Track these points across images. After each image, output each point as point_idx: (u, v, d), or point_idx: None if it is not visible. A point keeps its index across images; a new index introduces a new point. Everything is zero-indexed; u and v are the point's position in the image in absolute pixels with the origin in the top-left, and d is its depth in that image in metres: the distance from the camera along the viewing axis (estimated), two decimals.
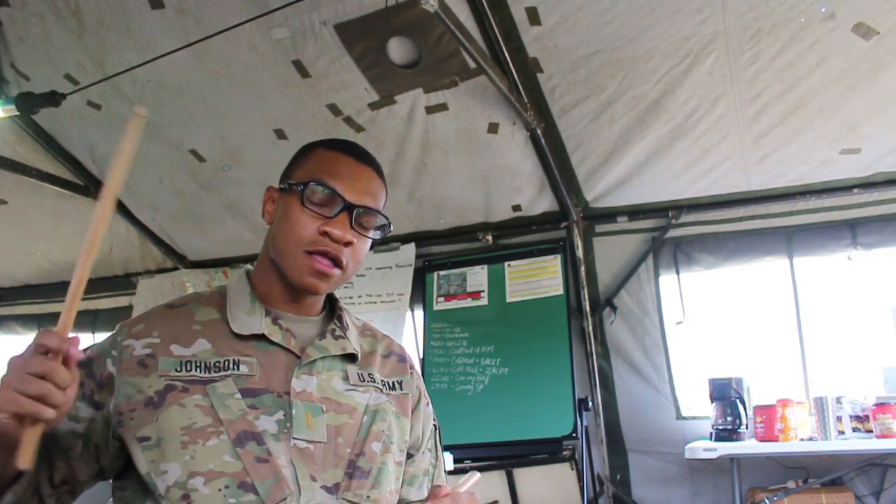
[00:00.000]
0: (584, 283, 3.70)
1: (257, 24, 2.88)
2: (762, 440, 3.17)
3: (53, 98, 3.01)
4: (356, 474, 1.04)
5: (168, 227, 4.49)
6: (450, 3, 2.39)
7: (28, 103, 3.05)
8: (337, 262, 1.06)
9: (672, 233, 3.63)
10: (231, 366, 1.04)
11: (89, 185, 4.20)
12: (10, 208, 4.45)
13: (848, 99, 2.83)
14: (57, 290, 5.12)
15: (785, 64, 2.74)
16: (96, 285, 4.99)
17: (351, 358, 1.13)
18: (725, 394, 3.30)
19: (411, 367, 1.26)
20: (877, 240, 3.32)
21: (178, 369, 1.02)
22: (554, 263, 3.81)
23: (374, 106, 3.24)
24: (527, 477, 3.48)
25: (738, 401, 3.27)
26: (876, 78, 2.74)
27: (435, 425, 1.27)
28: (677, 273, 3.67)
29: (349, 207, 1.07)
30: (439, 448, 1.27)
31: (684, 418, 3.59)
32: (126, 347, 1.04)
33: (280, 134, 3.54)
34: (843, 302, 3.49)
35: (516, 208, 3.79)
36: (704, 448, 3.16)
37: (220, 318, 1.08)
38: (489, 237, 3.94)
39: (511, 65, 2.90)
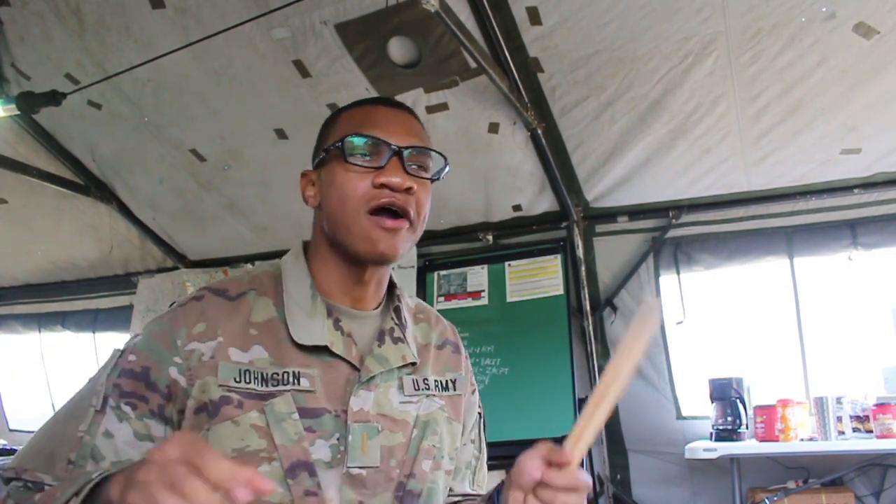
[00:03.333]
0: (585, 282, 3.70)
1: (258, 24, 2.88)
2: (762, 440, 3.17)
3: (54, 97, 3.01)
4: (406, 498, 0.97)
5: (168, 227, 4.49)
6: (450, 3, 2.39)
7: (28, 103, 3.05)
8: (403, 215, 0.95)
9: (672, 233, 3.63)
10: (290, 379, 0.93)
11: (89, 185, 4.20)
12: (10, 208, 4.45)
13: (848, 99, 2.83)
14: (57, 289, 5.13)
15: (785, 64, 2.74)
16: (96, 285, 5.00)
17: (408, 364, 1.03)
18: (725, 394, 3.30)
19: (466, 356, 1.17)
20: (877, 240, 3.32)
21: (238, 379, 0.92)
22: (554, 263, 3.81)
23: None
24: None
25: (738, 401, 3.27)
26: (877, 78, 2.73)
27: (480, 413, 1.18)
28: (677, 273, 3.66)
29: (398, 152, 0.96)
30: (483, 439, 1.19)
31: (684, 418, 3.59)
32: (192, 353, 0.92)
33: (280, 134, 3.54)
34: (844, 302, 3.49)
35: (516, 208, 3.79)
36: (704, 448, 3.16)
37: (278, 318, 0.97)
38: (489, 237, 3.94)
39: (511, 64, 2.90)
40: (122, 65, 3.15)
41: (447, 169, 1.02)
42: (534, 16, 2.74)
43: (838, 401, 3.15)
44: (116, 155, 3.99)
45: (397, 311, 1.07)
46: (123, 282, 4.90)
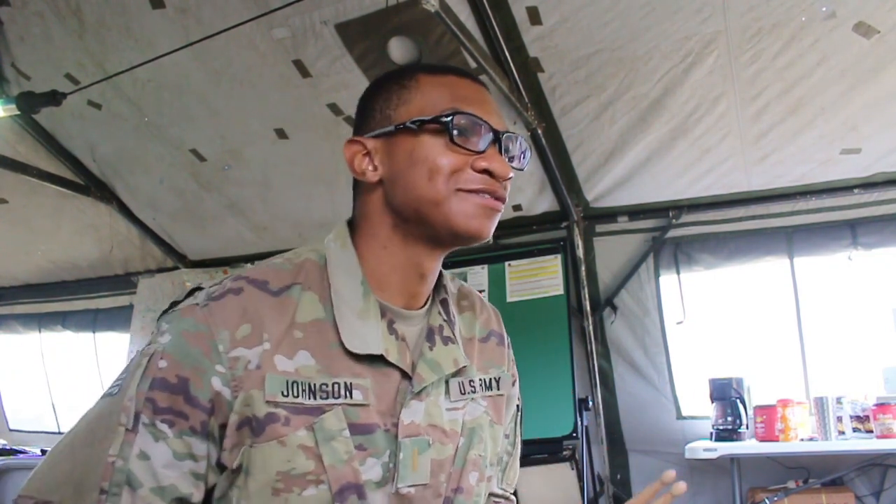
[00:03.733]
0: (585, 282, 3.70)
1: (258, 24, 2.88)
2: (762, 440, 3.17)
3: (54, 97, 3.01)
4: None
5: (168, 227, 4.49)
6: (450, 3, 2.39)
7: (29, 102, 3.05)
8: (501, 199, 0.89)
9: (672, 233, 3.63)
10: (342, 391, 0.84)
11: (90, 185, 4.20)
12: (10, 207, 4.45)
13: (848, 98, 2.83)
14: (57, 289, 5.13)
15: (785, 63, 2.74)
16: (96, 285, 5.00)
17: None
18: (726, 394, 3.30)
19: (510, 347, 1.09)
20: (877, 240, 3.32)
21: (285, 393, 0.81)
22: (554, 263, 3.81)
23: None
24: (527, 477, 3.47)
25: (738, 401, 3.27)
26: (877, 77, 2.73)
27: (518, 406, 1.09)
28: (677, 273, 3.67)
29: (498, 137, 0.89)
30: (519, 434, 1.10)
31: (684, 418, 3.59)
32: (237, 361, 0.81)
33: (280, 133, 3.54)
34: (844, 302, 3.49)
35: (517, 208, 3.79)
36: (704, 448, 3.16)
37: (325, 319, 0.86)
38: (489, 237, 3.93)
39: (512, 64, 2.90)
40: (123, 65, 3.15)
41: (528, 157, 0.95)
42: (534, 16, 2.74)
43: (838, 401, 3.15)
44: (116, 155, 3.99)
45: (444, 304, 0.98)
46: (123, 282, 4.90)
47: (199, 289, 0.87)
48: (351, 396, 0.84)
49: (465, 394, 0.94)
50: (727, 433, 3.23)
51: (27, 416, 5.42)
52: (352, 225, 0.94)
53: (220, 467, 0.82)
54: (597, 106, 3.10)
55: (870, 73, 2.72)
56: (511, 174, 0.89)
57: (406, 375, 0.88)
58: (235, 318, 0.82)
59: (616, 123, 3.17)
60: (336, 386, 0.83)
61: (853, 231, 3.34)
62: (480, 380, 0.98)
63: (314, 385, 0.82)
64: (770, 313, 3.58)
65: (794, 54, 2.70)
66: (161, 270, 4.74)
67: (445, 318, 0.96)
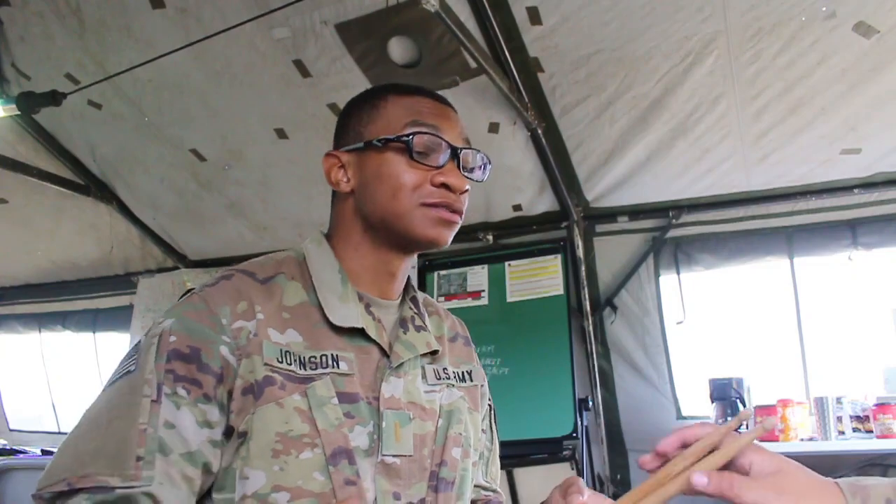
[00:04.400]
0: (585, 282, 3.70)
1: (258, 24, 2.88)
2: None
3: (54, 97, 3.01)
4: (441, 486, 0.96)
5: (169, 227, 4.49)
6: (451, 3, 2.39)
7: (29, 102, 3.05)
8: (458, 213, 0.99)
9: (672, 233, 3.63)
10: (329, 362, 0.92)
11: (90, 185, 4.20)
12: (10, 207, 4.45)
13: (849, 98, 2.83)
14: (57, 289, 5.13)
15: (785, 63, 2.74)
16: (96, 285, 5.00)
17: (430, 353, 1.04)
18: (726, 394, 3.30)
19: (475, 350, 1.19)
20: (877, 240, 3.32)
21: (280, 360, 0.89)
22: (554, 263, 3.81)
23: None
24: (527, 477, 3.48)
25: (738, 401, 3.27)
26: (877, 77, 2.73)
27: (490, 405, 1.18)
28: (677, 273, 3.67)
29: (456, 152, 0.98)
30: (495, 430, 1.18)
31: (684, 418, 3.59)
32: (240, 331, 0.89)
33: (281, 133, 3.54)
34: (844, 302, 3.49)
35: (517, 208, 3.79)
36: None
37: (310, 302, 0.96)
38: (489, 237, 3.94)
39: (512, 64, 2.90)
40: (123, 65, 3.15)
41: (490, 167, 1.05)
42: (534, 16, 2.74)
43: (838, 401, 3.15)
44: (117, 155, 3.99)
45: (414, 300, 1.08)
46: (124, 282, 4.90)
47: (190, 291, 0.96)
48: (338, 366, 0.92)
49: (440, 379, 1.03)
50: None
51: (27, 416, 5.42)
52: (328, 232, 1.06)
53: (227, 434, 0.87)
54: (597, 106, 3.10)
55: (870, 73, 2.72)
56: (467, 186, 0.98)
57: (384, 353, 0.97)
58: (232, 296, 0.91)
59: (616, 123, 3.17)
60: (324, 357, 0.92)
61: (853, 231, 3.34)
62: (454, 371, 1.07)
63: (303, 357, 0.91)
64: (770, 313, 3.58)
65: (794, 54, 2.70)
66: (161, 270, 4.74)
67: (416, 311, 1.06)
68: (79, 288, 5.05)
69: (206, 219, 4.30)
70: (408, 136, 0.96)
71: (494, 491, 1.17)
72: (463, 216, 1.00)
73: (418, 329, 1.04)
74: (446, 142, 0.97)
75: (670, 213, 3.57)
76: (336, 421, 0.89)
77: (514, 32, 2.81)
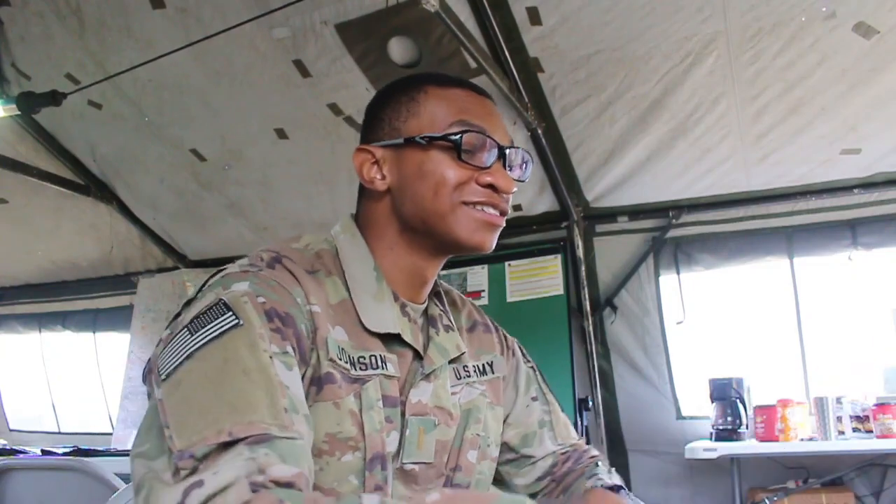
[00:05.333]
0: (585, 282, 3.70)
1: (258, 24, 2.88)
2: (762, 440, 3.17)
3: (54, 97, 3.01)
4: None
5: (169, 227, 4.49)
6: (450, 3, 2.39)
7: (29, 103, 3.05)
8: (503, 214, 0.93)
9: (672, 233, 3.63)
10: (378, 363, 0.87)
11: (90, 185, 4.21)
12: (10, 207, 4.45)
13: (848, 98, 2.83)
14: (57, 289, 5.13)
15: (785, 63, 2.75)
16: (96, 285, 5.00)
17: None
18: (725, 394, 3.30)
19: (497, 330, 1.13)
20: (877, 240, 3.32)
21: (339, 357, 0.84)
22: (554, 263, 3.81)
23: None
24: None
25: (738, 401, 3.27)
26: (877, 77, 2.74)
27: (533, 368, 1.14)
28: (677, 273, 3.67)
29: (503, 152, 0.92)
30: (546, 392, 1.13)
31: (684, 418, 3.59)
32: (312, 315, 0.83)
33: (281, 133, 3.54)
34: (844, 302, 3.49)
35: (517, 208, 3.79)
36: (704, 448, 3.16)
37: (349, 299, 0.89)
38: None
39: (512, 65, 2.90)
40: (123, 65, 3.15)
41: (531, 165, 0.99)
42: (534, 16, 2.74)
43: (838, 401, 3.15)
44: (117, 155, 3.99)
45: (438, 296, 1.02)
46: (124, 282, 4.90)
47: (220, 271, 0.87)
48: (386, 368, 0.88)
49: (460, 378, 0.98)
50: (727, 433, 3.23)
51: (27, 416, 5.42)
52: (357, 222, 0.97)
53: None
54: (597, 106, 3.10)
55: (870, 73, 2.72)
56: (514, 188, 0.92)
57: (418, 356, 0.92)
58: (291, 280, 0.84)
59: (616, 123, 3.17)
60: (374, 358, 0.87)
61: (853, 231, 3.34)
62: (474, 366, 1.01)
63: (353, 357, 0.85)
64: (770, 313, 3.58)
65: (794, 54, 2.70)
66: (161, 270, 4.74)
67: (442, 308, 1.01)
68: (79, 288, 5.05)
69: (206, 219, 4.30)
70: (456, 134, 0.89)
71: (572, 446, 1.11)
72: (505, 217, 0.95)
73: (447, 329, 0.99)
74: (494, 141, 0.92)
75: (670, 213, 3.57)
76: (379, 425, 0.85)
77: (513, 32, 2.81)
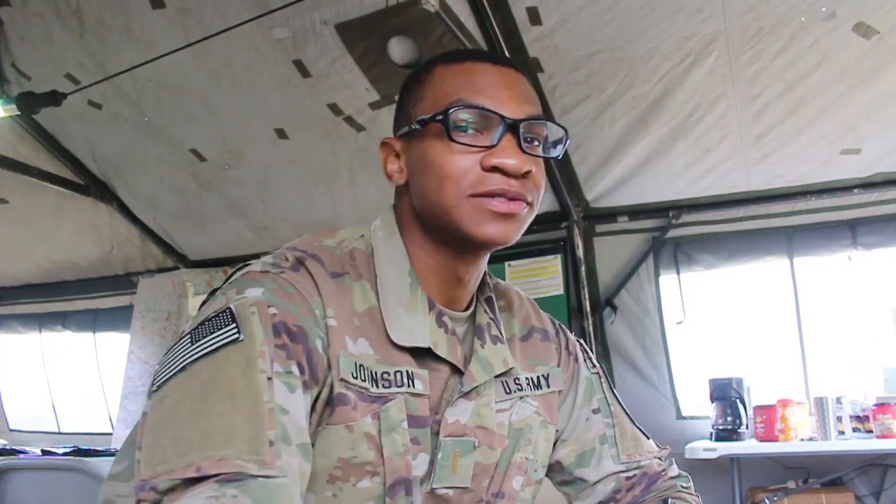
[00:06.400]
0: (585, 283, 3.70)
1: (258, 24, 2.88)
2: (762, 440, 3.17)
3: (54, 97, 3.01)
4: None
5: (169, 227, 4.49)
6: (450, 4, 2.39)
7: (29, 103, 3.05)
8: (519, 200, 0.80)
9: (672, 233, 3.63)
10: (404, 380, 0.79)
11: (90, 185, 4.20)
12: (10, 207, 4.45)
13: (848, 99, 2.83)
14: (57, 289, 5.13)
15: (785, 63, 2.75)
16: (96, 285, 5.00)
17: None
18: (725, 394, 3.30)
19: (558, 334, 0.99)
20: (877, 240, 3.32)
21: (354, 375, 0.76)
22: (554, 263, 3.81)
23: (374, 106, 3.24)
24: None
25: (738, 401, 3.27)
26: (876, 77, 2.74)
27: (598, 373, 1.00)
28: (677, 273, 3.66)
29: (512, 126, 0.78)
30: (612, 402, 0.99)
31: (684, 418, 3.59)
32: (328, 329, 0.76)
33: (281, 133, 3.54)
34: (843, 302, 3.49)
35: None
36: (704, 448, 3.16)
37: (378, 307, 0.81)
38: None
39: None
40: (123, 65, 3.15)
41: (567, 143, 0.84)
42: (534, 16, 2.74)
43: (838, 401, 3.15)
44: (117, 155, 3.99)
45: (489, 302, 0.92)
46: (124, 282, 4.90)
47: (242, 267, 0.81)
48: (413, 385, 0.79)
49: (510, 393, 0.88)
50: (727, 433, 3.23)
51: (27, 416, 5.42)
52: (398, 216, 0.88)
53: None
54: (597, 106, 3.10)
55: (870, 73, 2.72)
56: (527, 167, 0.78)
57: (456, 370, 0.83)
58: (312, 288, 0.77)
59: (616, 123, 3.17)
60: (399, 374, 0.78)
61: (853, 231, 3.34)
62: (527, 378, 0.91)
63: (375, 373, 0.77)
64: (770, 313, 3.58)
65: (794, 54, 2.71)
66: (161, 270, 4.74)
67: (492, 316, 0.90)
68: (79, 288, 5.05)
69: (206, 219, 4.30)
70: (442, 112, 0.78)
71: (639, 466, 0.98)
72: (533, 204, 0.82)
73: (495, 340, 0.88)
74: (496, 113, 0.78)
75: (670, 213, 3.57)
76: (402, 448, 0.77)
77: (513, 32, 2.81)
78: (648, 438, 1.02)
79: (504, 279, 3.93)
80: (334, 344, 0.75)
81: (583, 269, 3.71)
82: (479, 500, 0.84)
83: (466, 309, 0.89)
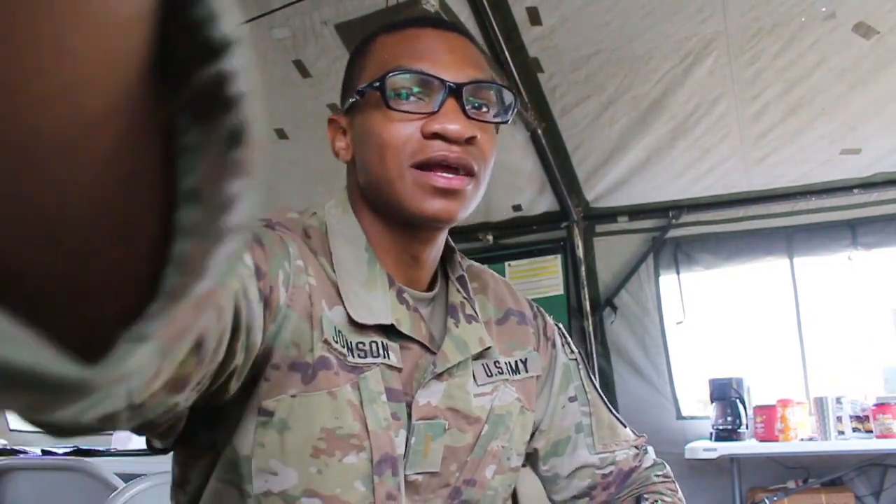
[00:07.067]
0: (585, 283, 3.70)
1: (258, 24, 2.88)
2: (762, 440, 3.18)
3: None
4: None
5: None
6: (450, 4, 2.40)
7: None
8: (464, 170, 0.75)
9: (672, 233, 3.63)
10: (379, 350, 0.75)
11: None
12: None
13: (848, 99, 2.84)
14: None
15: (785, 64, 2.75)
16: None
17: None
18: (725, 394, 3.30)
19: (536, 318, 0.95)
20: (877, 240, 3.32)
21: (336, 339, 0.72)
22: (554, 263, 3.81)
23: None
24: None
25: (738, 401, 3.27)
26: (876, 78, 2.74)
27: (576, 360, 0.95)
28: (677, 273, 3.67)
29: (455, 90, 0.74)
30: (590, 389, 0.94)
31: (684, 418, 3.59)
32: (299, 272, 0.71)
33: (280, 133, 3.54)
34: (843, 302, 3.49)
35: (516, 208, 3.79)
36: (704, 448, 3.16)
37: (337, 286, 0.76)
38: (489, 237, 3.94)
39: (512, 65, 2.90)
40: None
41: (516, 108, 0.80)
42: (534, 16, 2.74)
43: (838, 401, 3.15)
44: None
45: (462, 280, 0.87)
46: None
47: None
48: (388, 357, 0.75)
49: (491, 376, 0.85)
50: (727, 433, 3.24)
51: None
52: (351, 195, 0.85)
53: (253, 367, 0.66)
54: (597, 106, 3.11)
55: (870, 73, 2.72)
56: (470, 133, 0.74)
57: (426, 349, 0.80)
58: (290, 238, 0.74)
59: (616, 123, 3.17)
60: (374, 345, 0.75)
61: (853, 231, 3.34)
62: (506, 363, 0.87)
63: (351, 342, 0.73)
64: (770, 313, 3.58)
65: (794, 54, 2.71)
66: None
67: (465, 295, 0.87)
68: None
69: None
70: (379, 79, 0.74)
71: (614, 462, 0.94)
72: (481, 172, 0.77)
73: (469, 320, 0.84)
74: (437, 77, 0.73)
75: (670, 213, 3.57)
76: (384, 422, 0.74)
77: (513, 33, 2.82)
78: (625, 427, 0.98)
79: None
80: (316, 304, 0.71)
81: (583, 269, 3.71)
82: (445, 485, 0.80)
83: (429, 290, 0.85)
